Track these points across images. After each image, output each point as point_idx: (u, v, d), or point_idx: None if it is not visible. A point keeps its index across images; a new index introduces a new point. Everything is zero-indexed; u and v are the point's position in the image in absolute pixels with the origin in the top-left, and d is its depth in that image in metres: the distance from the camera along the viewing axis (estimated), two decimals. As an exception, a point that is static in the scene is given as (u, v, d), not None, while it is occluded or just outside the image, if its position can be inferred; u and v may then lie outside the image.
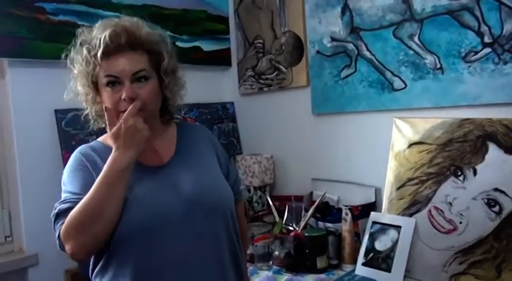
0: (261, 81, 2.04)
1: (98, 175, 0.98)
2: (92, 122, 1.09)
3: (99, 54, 0.98)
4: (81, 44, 1.03)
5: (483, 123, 1.33)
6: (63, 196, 1.00)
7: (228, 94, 2.23)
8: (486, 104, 1.32)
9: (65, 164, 1.61)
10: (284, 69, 1.93)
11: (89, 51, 0.99)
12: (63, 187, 1.03)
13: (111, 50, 0.98)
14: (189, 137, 1.17)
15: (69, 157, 1.66)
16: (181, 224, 0.97)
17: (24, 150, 1.60)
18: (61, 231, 0.93)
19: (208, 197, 1.03)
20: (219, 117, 2.15)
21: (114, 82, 0.99)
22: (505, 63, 1.27)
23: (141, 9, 1.85)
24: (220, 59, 2.18)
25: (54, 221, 0.97)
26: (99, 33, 1.00)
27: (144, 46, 1.04)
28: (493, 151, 1.30)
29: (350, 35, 1.65)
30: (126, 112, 0.94)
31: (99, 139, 1.12)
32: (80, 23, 1.67)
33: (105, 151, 1.05)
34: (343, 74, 1.69)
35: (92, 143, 1.10)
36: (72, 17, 1.65)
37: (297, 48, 1.86)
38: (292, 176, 1.99)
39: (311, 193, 1.83)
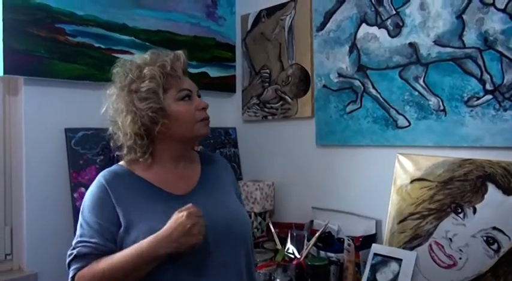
0: (266, 109, 2.10)
1: (123, 206, 1.00)
2: (124, 148, 1.09)
3: (180, 70, 1.08)
4: (140, 66, 1.07)
5: (483, 164, 1.41)
6: (80, 231, 1.01)
7: (231, 120, 2.27)
8: (486, 146, 1.41)
9: (72, 183, 1.67)
10: (289, 100, 2.00)
11: (163, 67, 1.05)
12: (81, 218, 1.03)
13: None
14: (212, 166, 1.21)
15: (76, 177, 1.70)
16: (209, 254, 1.00)
17: (32, 167, 1.60)
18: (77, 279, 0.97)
19: (233, 226, 1.06)
20: (222, 142, 2.19)
21: (190, 95, 1.08)
22: (505, 110, 1.36)
23: (155, 34, 1.90)
24: (226, 85, 2.24)
25: (71, 261, 1.00)
26: (165, 56, 1.08)
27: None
28: (492, 191, 1.38)
29: (357, 73, 1.74)
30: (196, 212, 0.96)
31: (123, 163, 1.12)
32: (96, 45, 1.71)
33: (131, 177, 1.08)
34: (349, 108, 1.77)
35: (116, 168, 1.10)
36: (89, 39, 1.69)
37: (303, 80, 1.94)
38: (292, 204, 2.03)
39: (311, 222, 1.87)
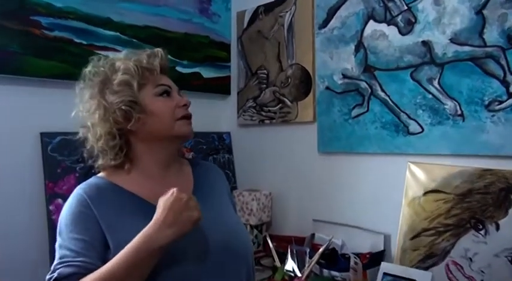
0: (263, 113, 1.95)
1: (108, 224, 0.87)
2: (99, 150, 0.97)
3: (157, 64, 0.98)
4: (113, 60, 0.99)
5: (506, 175, 1.27)
6: (61, 253, 0.86)
7: (225, 124, 2.12)
8: (510, 155, 1.27)
9: (47, 194, 1.49)
10: (289, 103, 1.85)
11: (139, 62, 0.97)
12: (60, 238, 0.88)
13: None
14: (205, 176, 1.08)
15: (53, 187, 1.53)
16: (207, 275, 0.88)
17: (2, 176, 1.42)
18: None
19: (233, 243, 0.94)
20: (215, 147, 2.03)
21: (168, 92, 0.98)
22: (532, 115, 1.23)
23: (142, 30, 1.73)
24: (220, 87, 2.08)
25: None
26: (142, 53, 1.00)
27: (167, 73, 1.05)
28: (517, 206, 1.24)
29: (363, 74, 1.59)
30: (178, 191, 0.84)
31: (102, 175, 0.99)
32: (76, 40, 1.55)
33: (114, 190, 0.95)
34: (354, 113, 1.62)
35: (95, 181, 0.97)
36: (68, 33, 1.52)
37: (304, 82, 1.79)
38: (291, 216, 1.88)
39: (313, 235, 1.72)
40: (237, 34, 2.07)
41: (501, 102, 1.28)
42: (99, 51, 1.53)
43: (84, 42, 1.56)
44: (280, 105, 1.88)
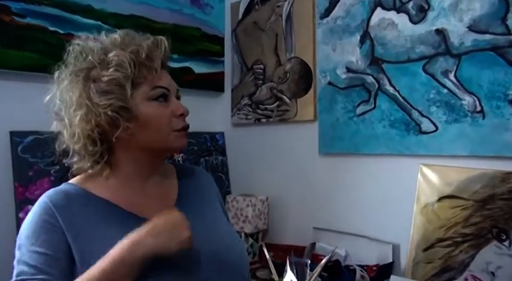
0: (259, 111, 1.80)
1: (76, 236, 0.74)
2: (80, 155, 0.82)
3: (158, 60, 0.82)
4: (106, 48, 0.81)
5: (533, 179, 1.13)
6: (19, 269, 0.73)
7: (218, 123, 1.97)
8: (538, 157, 1.13)
9: (17, 200, 1.32)
10: (287, 100, 1.70)
11: (136, 54, 0.79)
12: (18, 252, 0.75)
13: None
14: (192, 181, 0.95)
15: (23, 192, 1.37)
16: None
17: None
18: None
19: (227, 256, 0.82)
20: (207, 149, 1.88)
21: (166, 96, 0.83)
22: None
23: (127, 19, 1.58)
24: (213, 83, 1.93)
25: None
26: (142, 40, 0.82)
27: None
28: (547, 214, 1.10)
29: (370, 67, 1.44)
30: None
31: (74, 181, 0.85)
32: (51, 28, 1.39)
33: (86, 198, 0.81)
34: (360, 110, 1.47)
35: (65, 187, 0.82)
36: (43, 20, 1.37)
37: (304, 77, 1.64)
38: (290, 223, 1.72)
39: (313, 245, 1.57)
40: (231, 26, 1.92)
41: (527, 97, 1.14)
42: (77, 41, 1.38)
43: (60, 31, 1.40)
44: (277, 102, 1.73)
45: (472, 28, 1.22)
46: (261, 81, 1.79)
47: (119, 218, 0.79)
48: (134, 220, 0.79)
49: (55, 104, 0.82)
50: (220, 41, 1.94)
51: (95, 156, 0.81)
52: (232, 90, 1.92)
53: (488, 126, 1.20)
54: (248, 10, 1.84)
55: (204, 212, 0.89)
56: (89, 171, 0.82)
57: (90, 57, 0.79)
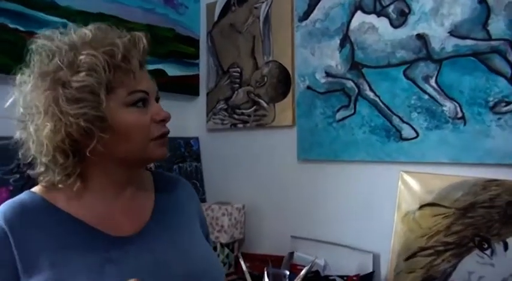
0: (235, 116, 1.74)
1: (31, 261, 0.65)
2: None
3: (136, 61, 0.73)
4: (75, 47, 0.70)
5: (514, 186, 1.11)
6: None
7: (193, 128, 1.89)
8: (519, 164, 1.11)
9: None
10: (265, 105, 1.64)
11: (111, 55, 0.69)
12: None
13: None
14: (171, 193, 0.87)
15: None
16: None
17: None
18: None
19: (202, 279, 0.75)
20: (181, 155, 1.80)
21: (145, 100, 0.74)
22: (545, 118, 1.07)
23: (95, 18, 1.46)
24: (187, 87, 1.85)
25: None
26: (117, 37, 0.72)
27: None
28: (528, 222, 1.08)
29: (350, 71, 1.41)
30: None
31: (37, 190, 0.75)
32: (11, 25, 1.29)
33: (48, 212, 0.72)
34: (339, 115, 1.43)
35: (24, 198, 0.73)
36: (1, 17, 1.26)
37: (283, 81, 1.59)
38: (267, 232, 1.66)
39: (291, 254, 1.52)
40: (207, 28, 1.85)
41: (508, 104, 1.12)
42: (40, 40, 1.28)
43: (21, 29, 1.30)
44: (255, 107, 1.67)
45: (453, 33, 1.21)
46: (237, 85, 1.73)
47: (84, 237, 0.71)
48: (102, 239, 0.71)
49: (18, 110, 0.72)
50: (195, 42, 1.87)
51: (67, 169, 0.71)
52: (207, 94, 1.85)
53: (469, 133, 1.19)
54: (224, 11, 1.78)
55: (179, 234, 0.80)
56: (59, 185, 0.73)
57: (57, 58, 0.69)
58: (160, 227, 0.78)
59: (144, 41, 0.75)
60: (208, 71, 1.84)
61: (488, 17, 1.15)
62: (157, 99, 0.78)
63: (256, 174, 1.68)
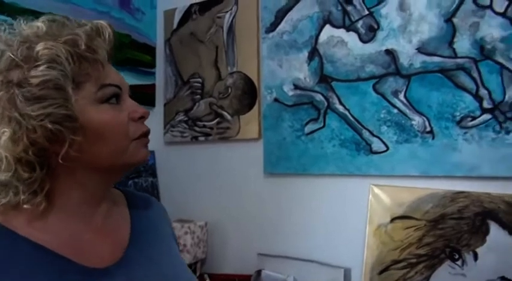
0: (197, 128, 1.65)
1: None
2: None
3: (103, 51, 0.64)
4: (29, 40, 0.59)
5: (481, 198, 1.16)
6: None
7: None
8: (484, 176, 1.16)
9: None
10: (229, 117, 1.58)
11: (73, 44, 0.59)
12: None
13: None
14: (145, 212, 0.77)
15: None
16: None
17: None
18: None
19: None
20: (136, 169, 1.67)
21: (118, 95, 0.64)
22: (508, 132, 1.13)
23: (45, 18, 1.34)
24: (142, 97, 1.74)
25: None
26: (77, 27, 0.62)
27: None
28: (495, 232, 1.13)
29: (319, 85, 1.40)
30: None
31: None
32: None
33: (6, 240, 0.59)
34: (308, 128, 1.42)
35: None
36: None
37: (248, 93, 1.55)
38: (232, 250, 1.59)
39: (259, 272, 1.46)
40: (165, 36, 1.76)
41: (474, 118, 1.18)
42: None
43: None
44: (218, 119, 1.61)
45: (420, 50, 1.25)
46: (198, 96, 1.65)
47: (52, 270, 0.59)
48: (73, 272, 0.59)
49: None
50: (151, 50, 1.76)
51: (33, 186, 0.59)
52: (164, 105, 1.75)
53: (437, 146, 1.22)
54: (185, 19, 1.70)
55: (159, 259, 0.71)
56: (24, 206, 0.60)
57: (9, 53, 0.58)
58: (140, 254, 0.69)
59: (109, 30, 0.66)
60: (166, 80, 1.75)
61: (454, 35, 1.20)
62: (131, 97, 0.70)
63: (219, 189, 1.61)
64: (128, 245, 0.68)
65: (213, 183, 1.62)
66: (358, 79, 1.34)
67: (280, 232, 1.48)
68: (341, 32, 1.37)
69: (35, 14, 1.31)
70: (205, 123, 1.63)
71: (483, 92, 1.17)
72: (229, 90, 1.58)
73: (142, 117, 0.66)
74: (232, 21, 1.59)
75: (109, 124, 0.62)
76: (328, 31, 1.39)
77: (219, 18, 1.62)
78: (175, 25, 1.73)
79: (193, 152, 1.68)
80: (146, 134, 0.67)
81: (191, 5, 1.68)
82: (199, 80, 1.66)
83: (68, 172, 0.62)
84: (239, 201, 1.57)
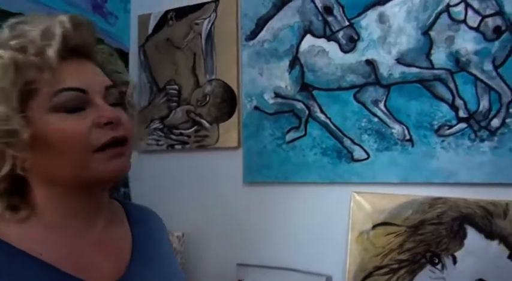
0: (173, 136, 1.61)
1: None
2: None
3: (51, 52, 0.56)
4: None
5: (458, 203, 1.21)
6: None
7: (120, 149, 1.70)
8: (461, 183, 1.21)
9: None
10: (207, 125, 1.55)
11: (22, 51, 0.55)
12: None
13: (65, 52, 0.58)
14: (146, 225, 0.75)
15: None
16: None
17: None
18: None
19: None
20: (108, 179, 1.60)
21: (82, 101, 0.58)
22: (482, 140, 1.19)
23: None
24: (115, 104, 1.67)
25: None
26: (32, 29, 0.57)
27: (99, 61, 0.66)
28: (473, 236, 1.18)
29: (300, 93, 1.41)
30: None
31: None
32: None
33: (6, 258, 0.54)
34: (289, 137, 1.42)
35: None
36: None
37: (227, 100, 1.53)
38: (210, 261, 1.55)
39: (239, 284, 1.43)
40: (139, 41, 1.71)
41: (451, 127, 1.23)
42: None
43: None
44: (195, 127, 1.57)
45: (399, 61, 1.29)
46: (175, 104, 1.62)
47: None
48: None
49: None
50: (125, 55, 1.71)
51: (6, 197, 0.57)
52: (139, 112, 1.69)
53: (417, 154, 1.26)
54: (161, 25, 1.66)
55: (161, 270, 0.70)
56: (7, 216, 0.56)
57: None
58: (143, 269, 0.66)
59: (67, 24, 0.59)
60: (141, 87, 1.69)
61: (431, 48, 1.25)
62: (116, 100, 0.62)
63: (197, 199, 1.57)
64: (131, 259, 0.65)
65: (190, 192, 1.58)
66: (339, 88, 1.36)
67: (261, 241, 1.46)
68: (322, 42, 1.39)
69: (4, 14, 1.24)
70: (182, 131, 1.60)
71: (459, 102, 1.22)
72: (208, 97, 1.56)
73: (110, 123, 0.58)
74: (211, 28, 1.57)
75: (62, 135, 0.56)
76: (309, 40, 1.40)
77: (196, 24, 1.60)
78: (150, 30, 1.68)
79: (170, 160, 1.64)
80: (114, 142, 0.58)
81: (167, 11, 1.65)
82: (176, 87, 1.62)
83: (40, 185, 0.59)
84: (218, 211, 1.54)
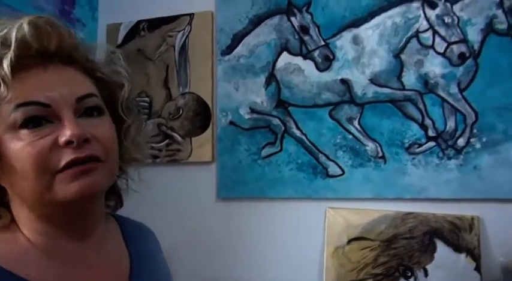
0: (143, 150, 1.55)
1: None
2: None
3: (5, 64, 0.50)
4: None
5: (428, 218, 1.27)
6: None
7: (84, 163, 1.61)
8: (430, 198, 1.28)
9: None
10: (179, 139, 1.52)
11: None
12: None
13: (30, 60, 0.53)
14: (142, 243, 0.71)
15: None
16: None
17: None
18: None
19: None
20: (71, 195, 1.50)
21: (38, 118, 0.51)
22: (449, 158, 1.27)
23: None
24: (79, 115, 1.59)
25: None
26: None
27: (86, 63, 0.59)
28: (442, 249, 1.24)
29: (276, 109, 1.43)
30: None
31: None
32: None
33: None
34: (265, 152, 1.42)
35: None
36: None
37: (201, 115, 1.51)
38: (180, 279, 1.49)
39: (212, 303, 1.39)
40: (107, 51, 1.64)
41: (420, 145, 1.30)
42: None
43: None
44: (167, 141, 1.53)
45: (373, 81, 1.35)
46: (146, 116, 1.57)
47: None
48: None
49: None
50: (91, 65, 1.63)
51: None
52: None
53: (389, 170, 1.31)
54: (131, 35, 1.61)
55: None
56: None
57: None
58: None
59: (25, 29, 0.51)
60: (108, 98, 1.62)
61: (402, 70, 1.32)
62: (89, 111, 0.55)
63: (169, 215, 1.51)
64: (130, 279, 0.61)
65: (161, 208, 1.52)
66: (315, 105, 1.39)
67: (235, 258, 1.44)
68: (298, 60, 1.42)
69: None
70: (153, 144, 1.55)
71: (428, 121, 1.29)
72: (181, 111, 1.53)
73: (70, 142, 0.51)
74: (185, 41, 1.55)
75: (20, 155, 0.50)
76: (285, 58, 1.43)
77: (170, 36, 1.57)
78: (120, 40, 1.63)
79: (140, 175, 1.57)
80: (75, 162, 0.51)
81: (139, 21, 1.61)
82: (147, 99, 1.57)
83: (17, 203, 0.56)
84: (189, 227, 1.49)
